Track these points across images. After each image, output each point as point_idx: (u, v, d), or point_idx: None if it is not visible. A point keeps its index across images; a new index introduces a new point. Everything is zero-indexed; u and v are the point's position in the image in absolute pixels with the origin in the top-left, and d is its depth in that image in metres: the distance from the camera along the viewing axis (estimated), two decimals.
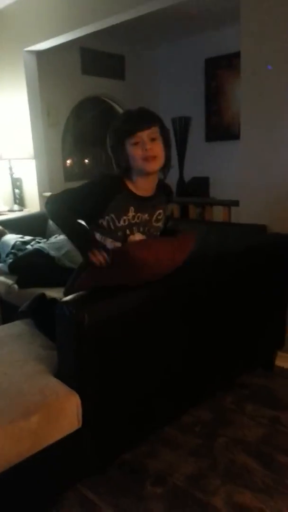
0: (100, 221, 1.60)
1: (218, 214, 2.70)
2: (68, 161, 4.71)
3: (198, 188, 4.70)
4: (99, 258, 1.47)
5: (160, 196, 1.71)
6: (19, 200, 3.89)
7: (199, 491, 1.57)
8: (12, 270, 2.80)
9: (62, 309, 1.40)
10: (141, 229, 1.65)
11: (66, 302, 1.41)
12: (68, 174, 4.61)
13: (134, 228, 1.62)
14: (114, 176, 1.62)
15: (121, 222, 1.59)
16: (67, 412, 1.40)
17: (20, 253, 2.89)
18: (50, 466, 1.42)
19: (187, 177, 4.89)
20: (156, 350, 1.62)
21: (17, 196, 3.87)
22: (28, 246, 2.95)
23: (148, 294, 1.55)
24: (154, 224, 1.70)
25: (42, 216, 3.59)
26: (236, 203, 2.43)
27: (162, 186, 1.72)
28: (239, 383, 2.24)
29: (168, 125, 5.15)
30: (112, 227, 1.59)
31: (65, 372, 1.49)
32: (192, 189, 4.76)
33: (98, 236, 1.62)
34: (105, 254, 1.47)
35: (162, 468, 1.69)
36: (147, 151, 1.51)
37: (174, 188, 4.94)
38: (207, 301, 1.80)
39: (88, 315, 1.35)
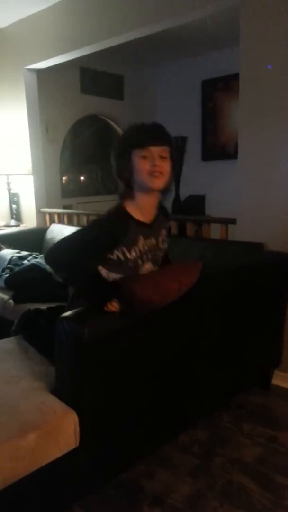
0: (108, 256, 1.53)
1: (215, 231, 2.72)
2: (64, 178, 4.75)
3: (194, 206, 4.74)
4: (111, 309, 1.44)
5: (161, 219, 1.67)
6: (16, 215, 3.89)
7: None
8: (8, 285, 2.78)
9: (62, 324, 1.39)
10: (150, 256, 1.61)
11: (66, 317, 1.41)
12: (65, 191, 4.64)
13: (144, 256, 1.58)
14: (119, 213, 1.53)
15: (133, 254, 1.54)
16: (64, 430, 1.38)
17: (16, 268, 2.88)
18: (47, 485, 1.39)
19: (183, 196, 4.93)
20: (155, 367, 1.61)
21: (14, 211, 3.88)
22: (25, 261, 2.95)
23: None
24: (161, 246, 1.67)
25: (38, 231, 3.60)
26: (233, 221, 2.46)
27: (160, 208, 1.68)
28: (236, 402, 2.23)
29: None
30: (123, 259, 1.53)
31: (63, 389, 1.47)
32: (188, 207, 4.79)
33: (104, 272, 1.57)
34: (117, 305, 1.44)
35: (159, 489, 1.66)
36: (156, 166, 1.46)
37: (170, 206, 4.99)
38: (207, 317, 1.80)
39: (88, 330, 1.34)
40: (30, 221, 3.87)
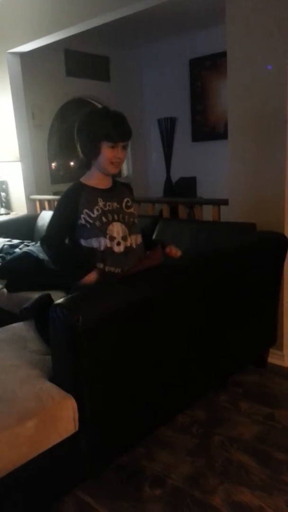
0: (79, 223, 1.70)
1: (207, 213, 2.71)
2: (53, 164, 4.68)
3: (186, 188, 4.72)
4: (89, 280, 1.66)
5: (121, 187, 1.84)
6: (6, 203, 3.84)
7: (198, 491, 1.57)
8: (1, 274, 2.76)
9: (56, 311, 1.38)
10: (116, 217, 1.73)
11: (60, 304, 1.39)
12: (54, 177, 4.57)
13: (109, 215, 1.71)
14: (74, 185, 1.77)
15: (95, 212, 1.69)
16: (63, 416, 1.38)
17: (8, 257, 2.85)
18: (47, 471, 1.39)
19: (174, 178, 4.90)
20: (151, 350, 1.61)
21: (3, 199, 3.83)
22: (17, 250, 2.92)
23: (142, 294, 1.55)
24: (126, 210, 1.79)
25: (29, 219, 3.56)
26: (225, 202, 2.44)
27: (120, 183, 1.87)
28: (233, 382, 2.25)
29: (155, 126, 5.16)
30: (90, 220, 1.68)
31: (60, 376, 1.47)
32: (179, 190, 4.77)
33: (82, 242, 1.71)
34: (95, 276, 1.66)
35: (160, 470, 1.68)
36: (119, 158, 1.70)
37: (161, 188, 4.95)
38: (200, 300, 1.80)
39: (82, 317, 1.33)
40: (20, 209, 3.83)
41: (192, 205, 2.86)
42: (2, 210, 3.77)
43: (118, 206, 1.76)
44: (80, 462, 1.47)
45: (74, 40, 3.42)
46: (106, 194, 1.75)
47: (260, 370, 2.36)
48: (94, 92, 4.64)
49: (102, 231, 1.68)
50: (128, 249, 1.71)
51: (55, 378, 1.49)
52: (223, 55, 2.27)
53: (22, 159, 3.67)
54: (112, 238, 1.69)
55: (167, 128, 4.86)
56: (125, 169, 5.10)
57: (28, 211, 3.78)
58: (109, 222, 1.70)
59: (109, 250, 1.68)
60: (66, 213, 1.72)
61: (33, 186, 3.82)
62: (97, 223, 1.68)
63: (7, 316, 2.43)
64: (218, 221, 2.59)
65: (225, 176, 2.45)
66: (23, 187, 3.75)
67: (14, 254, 2.85)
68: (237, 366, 2.25)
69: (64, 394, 1.42)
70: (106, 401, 1.48)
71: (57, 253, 1.77)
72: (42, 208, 3.73)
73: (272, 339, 2.35)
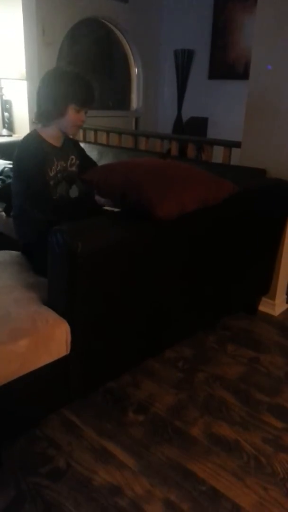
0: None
1: (217, 155, 2.62)
2: None
3: (196, 129, 4.54)
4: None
5: (68, 144, 1.92)
6: (8, 124, 3.69)
7: (179, 421, 1.64)
8: (0, 197, 2.70)
9: (56, 236, 1.35)
10: (61, 176, 1.86)
11: (60, 230, 1.36)
12: None
13: (59, 175, 1.84)
14: (34, 137, 1.79)
15: (53, 172, 1.81)
16: (56, 339, 1.39)
17: (8, 180, 2.77)
18: (37, 388, 1.43)
19: (185, 117, 4.71)
20: (146, 283, 1.61)
21: (7, 120, 3.66)
22: None
23: (142, 229, 1.52)
24: (70, 169, 1.91)
25: None
26: (238, 145, 2.35)
27: (67, 139, 1.92)
28: (223, 325, 2.29)
29: (170, 58, 4.86)
30: (47, 177, 1.78)
31: (55, 300, 1.47)
32: (189, 130, 4.59)
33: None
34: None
35: (144, 398, 1.75)
36: (81, 121, 1.78)
37: (170, 127, 4.77)
38: (200, 241, 1.77)
39: (82, 244, 1.31)
40: (23, 131, 3.66)
41: (202, 146, 2.76)
42: (4, 131, 3.63)
43: (65, 165, 1.87)
44: (70, 383, 1.51)
45: None
46: (59, 153, 1.84)
47: (250, 317, 2.40)
48: (110, 13, 4.30)
49: (53, 191, 1.82)
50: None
51: (50, 302, 1.49)
52: None
53: (28, 77, 3.46)
54: (60, 197, 1.85)
55: (183, 62, 4.59)
56: (135, 102, 4.87)
57: None
58: (58, 183, 1.84)
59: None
60: (38, 169, 1.74)
61: None
62: (52, 182, 1.80)
63: (6, 240, 2.41)
64: (228, 164, 2.51)
65: (239, 121, 2.34)
66: (27, 109, 3.58)
67: None
68: (229, 310, 2.29)
69: (58, 318, 1.43)
70: (98, 329, 1.50)
71: (54, 212, 1.78)
72: None
73: (265, 287, 2.37)
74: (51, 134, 1.80)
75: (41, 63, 3.63)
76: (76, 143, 2.04)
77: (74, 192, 1.99)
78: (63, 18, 3.94)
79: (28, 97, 3.54)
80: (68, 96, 1.70)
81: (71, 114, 1.73)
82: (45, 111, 1.75)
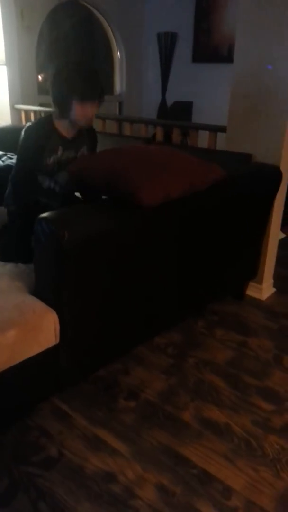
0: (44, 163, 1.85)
1: (202, 140, 2.59)
2: (40, 76, 4.34)
3: (181, 113, 4.50)
4: None
5: (83, 138, 1.98)
6: None
7: (170, 406, 1.65)
8: None
9: (41, 225, 1.33)
10: (62, 165, 1.89)
11: (45, 218, 1.34)
12: (42, 88, 4.26)
13: (62, 165, 1.88)
14: (42, 124, 1.88)
15: (51, 160, 1.85)
16: (44, 329, 1.38)
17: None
18: (27, 378, 1.43)
19: (169, 101, 4.66)
20: (133, 272, 1.60)
21: None
22: None
23: (129, 216, 1.50)
24: None
25: (13, 129, 3.34)
26: (223, 129, 2.33)
27: (86, 131, 1.99)
28: (211, 310, 2.30)
29: (153, 41, 4.78)
30: (44, 164, 1.85)
31: (42, 290, 1.46)
32: (174, 115, 4.55)
33: (40, 178, 1.89)
34: None
35: (135, 384, 1.75)
36: (90, 115, 1.82)
37: (155, 111, 4.72)
38: (187, 226, 1.76)
39: (68, 233, 1.29)
40: (3, 118, 3.59)
41: (187, 131, 2.73)
42: None
43: (74, 156, 1.94)
44: (59, 372, 1.50)
45: None
46: (67, 143, 1.90)
47: (238, 301, 2.41)
48: None
49: (43, 180, 1.89)
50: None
51: (37, 292, 1.48)
52: None
53: (8, 62, 3.38)
54: (56, 183, 1.91)
55: (167, 45, 4.52)
56: (118, 86, 4.79)
57: (12, 122, 3.56)
58: (57, 172, 1.89)
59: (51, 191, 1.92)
60: (38, 154, 1.82)
61: (18, 94, 3.56)
62: (48, 168, 1.87)
63: None
64: (213, 149, 2.49)
65: (224, 105, 2.30)
66: (7, 95, 3.50)
67: None
68: (216, 295, 2.29)
69: (45, 307, 1.41)
70: (87, 318, 1.49)
71: (26, 206, 1.88)
72: (28, 119, 3.51)
73: (253, 272, 2.38)
74: (63, 125, 1.87)
75: (20, 47, 3.55)
76: (92, 136, 2.07)
77: None
78: (42, 1, 3.84)
79: (8, 83, 3.46)
80: (69, 91, 1.76)
81: (77, 109, 1.78)
82: (55, 106, 1.83)
